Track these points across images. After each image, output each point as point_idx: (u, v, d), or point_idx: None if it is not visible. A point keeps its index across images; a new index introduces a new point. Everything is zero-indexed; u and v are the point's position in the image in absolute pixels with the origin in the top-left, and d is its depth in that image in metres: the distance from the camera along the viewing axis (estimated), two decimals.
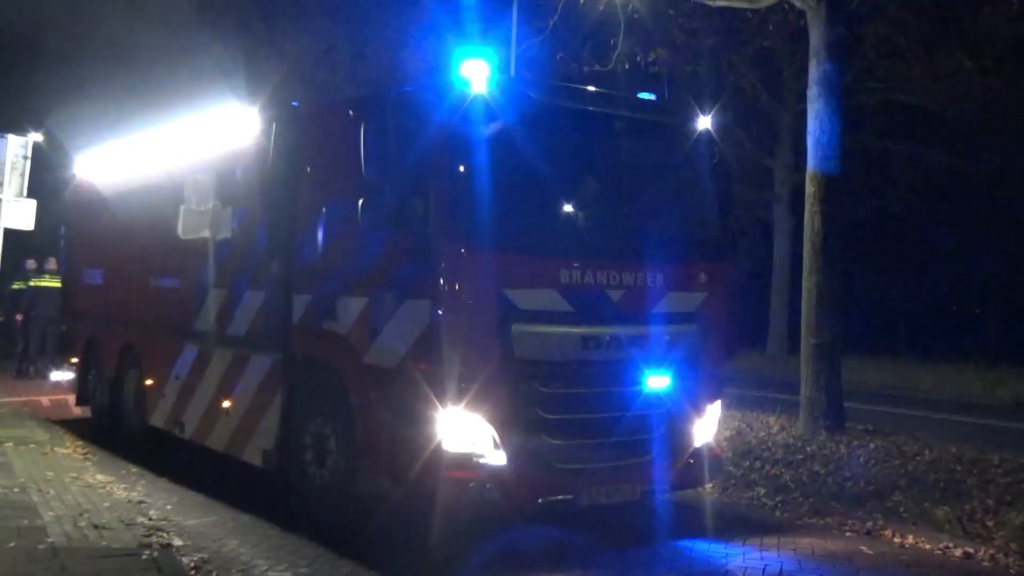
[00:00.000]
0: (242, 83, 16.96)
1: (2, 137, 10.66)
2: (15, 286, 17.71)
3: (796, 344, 12.94)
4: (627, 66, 17.32)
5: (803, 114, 12.89)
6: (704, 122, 7.85)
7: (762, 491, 9.11)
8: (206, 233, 9.41)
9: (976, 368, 22.45)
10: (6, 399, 13.72)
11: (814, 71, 12.20)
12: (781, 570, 6.74)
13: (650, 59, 17.99)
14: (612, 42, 17.15)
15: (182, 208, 9.89)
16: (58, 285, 17.12)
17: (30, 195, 10.97)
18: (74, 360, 12.56)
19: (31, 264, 17.84)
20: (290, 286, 7.96)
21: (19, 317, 17.47)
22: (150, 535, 6.75)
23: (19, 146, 10.73)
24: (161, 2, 20.45)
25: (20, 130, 13.28)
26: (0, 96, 24.77)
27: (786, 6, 13.68)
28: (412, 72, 19.49)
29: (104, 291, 12.07)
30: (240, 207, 8.87)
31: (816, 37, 12.18)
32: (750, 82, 25.52)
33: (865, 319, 28.97)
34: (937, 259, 31.87)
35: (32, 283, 17.51)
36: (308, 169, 7.96)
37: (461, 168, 6.58)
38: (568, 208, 7.28)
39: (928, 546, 7.54)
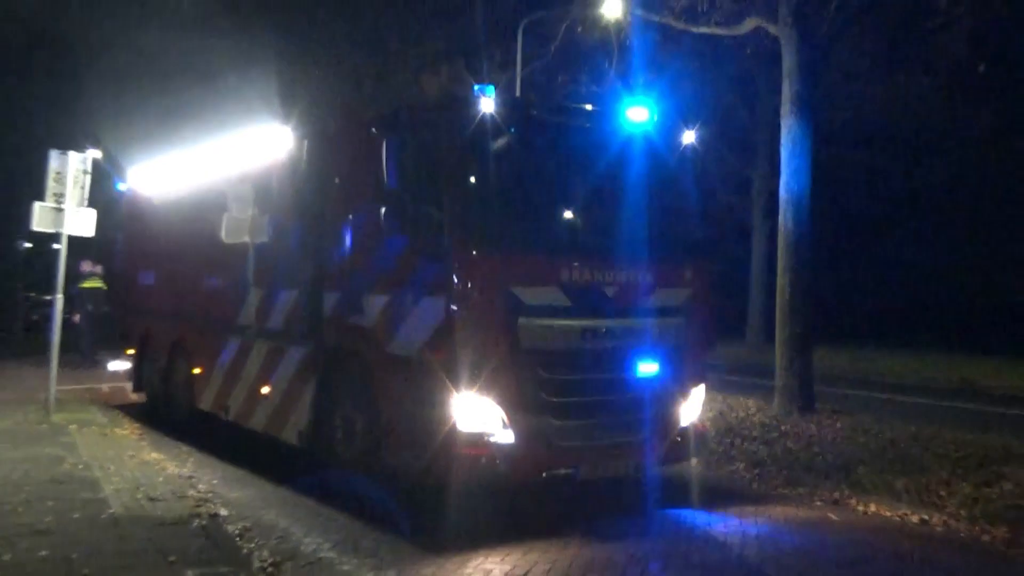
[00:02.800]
0: (276, 102, 17.01)
1: (65, 154, 10.69)
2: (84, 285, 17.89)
3: (772, 334, 12.93)
4: (619, 86, 17.33)
5: (777, 129, 12.89)
6: (688, 136, 7.87)
7: (741, 465, 9.14)
8: (246, 238, 9.46)
9: (933, 356, 22.47)
10: (71, 387, 13.79)
11: (787, 91, 12.21)
12: (758, 535, 6.76)
13: (640, 80, 17.96)
14: (607, 65, 17.18)
15: (225, 216, 9.94)
16: (95, 286, 17.52)
17: (89, 205, 10.99)
18: (130, 352, 12.62)
19: (86, 267, 18.01)
20: (321, 285, 7.99)
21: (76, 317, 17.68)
22: (199, 506, 6.82)
23: (80, 161, 10.75)
24: (202, 29, 20.53)
25: (78, 146, 13.34)
26: (62, 115, 24.90)
27: (762, 32, 13.67)
28: (428, 93, 19.54)
29: (156, 290, 12.13)
30: (276, 214, 8.91)
31: (788, 60, 12.19)
32: (730, 100, 25.47)
33: (834, 312, 28.86)
34: (898, 258, 31.80)
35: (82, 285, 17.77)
36: (336, 180, 7.99)
37: (472, 179, 6.61)
38: (568, 214, 7.32)
39: (888, 513, 7.56)
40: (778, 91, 13.41)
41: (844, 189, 27.23)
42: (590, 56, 18.62)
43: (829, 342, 22.79)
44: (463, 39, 19.66)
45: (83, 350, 17.63)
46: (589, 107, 7.96)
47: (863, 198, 27.54)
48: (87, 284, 17.88)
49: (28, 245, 34.71)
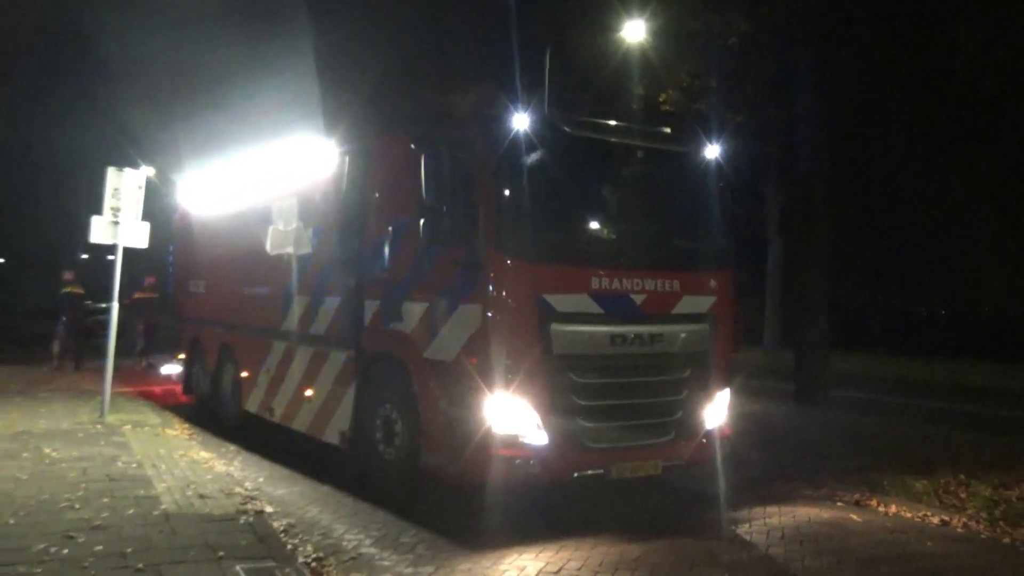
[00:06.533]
0: (319, 120, 16.98)
1: (122, 171, 10.74)
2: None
3: (787, 340, 12.76)
4: (642, 105, 17.22)
5: (791, 147, 12.72)
6: (713, 151, 7.72)
7: (763, 467, 8.94)
8: (291, 249, 9.41)
9: (946, 361, 22.10)
10: (126, 389, 13.84)
11: (802, 106, 12.07)
12: (783, 535, 6.60)
13: (660, 99, 17.83)
14: (628, 84, 17.09)
15: (270, 228, 9.91)
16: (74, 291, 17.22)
17: (143, 219, 11.02)
18: (181, 356, 12.65)
19: (67, 276, 17.71)
20: (362, 293, 7.93)
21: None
22: (246, 503, 6.74)
23: (136, 178, 10.81)
24: (250, 53, 20.69)
25: (132, 162, 13.40)
26: (114, 132, 25.19)
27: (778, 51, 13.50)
28: (460, 111, 19.44)
29: (205, 298, 12.14)
30: (319, 226, 8.87)
31: (803, 78, 12.04)
32: (748, 118, 25.19)
33: (848, 317, 28.51)
34: (912, 265, 31.35)
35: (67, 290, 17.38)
36: (376, 194, 7.94)
37: (507, 192, 6.50)
38: (597, 224, 7.20)
39: (909, 515, 7.35)
40: (791, 107, 13.25)
41: (859, 200, 26.85)
42: (613, 74, 18.51)
43: (844, 347, 22.48)
44: (492, 60, 19.61)
45: (60, 353, 17.26)
46: (617, 123, 7.84)
47: (878, 208, 27.13)
48: (67, 290, 17.42)
49: (84, 256, 35.10)
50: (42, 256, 39.23)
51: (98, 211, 10.70)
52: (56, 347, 17.12)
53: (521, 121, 6.58)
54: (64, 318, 17.26)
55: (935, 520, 7.16)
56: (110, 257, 11.30)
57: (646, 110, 17.52)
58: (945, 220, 26.66)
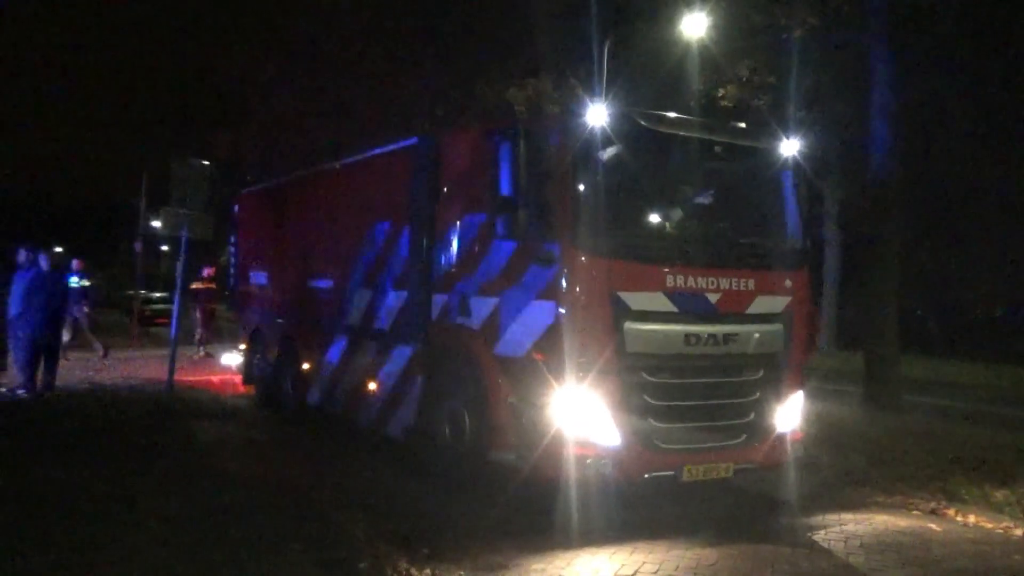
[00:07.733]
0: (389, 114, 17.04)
1: (187, 162, 10.90)
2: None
3: (846, 341, 12.50)
4: (702, 100, 16.98)
5: (852, 142, 12.42)
6: (790, 147, 7.54)
7: (835, 473, 8.70)
8: (357, 241, 9.42)
9: (1006, 365, 21.51)
10: (186, 378, 14.03)
11: (875, 101, 11.75)
12: (862, 543, 6.41)
13: (720, 94, 17.54)
14: (686, 78, 16.81)
15: (336, 220, 9.96)
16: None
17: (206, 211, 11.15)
18: (243, 347, 12.78)
19: (76, 264, 16.90)
20: (429, 287, 7.92)
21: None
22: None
23: (201, 169, 10.96)
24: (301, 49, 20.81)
25: (195, 156, 13.56)
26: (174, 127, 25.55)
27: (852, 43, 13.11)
28: (515, 107, 19.41)
29: (267, 290, 12.24)
30: (386, 220, 8.86)
31: (878, 72, 11.72)
32: (808, 114, 24.72)
33: (906, 322, 27.83)
34: (968, 272, 30.55)
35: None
36: (445, 189, 7.91)
37: (582, 187, 6.42)
38: (673, 221, 7.08)
39: (990, 525, 7.09)
40: (850, 105, 12.92)
41: (920, 198, 26.18)
42: (671, 69, 18.26)
43: (912, 350, 21.97)
44: (550, 55, 19.48)
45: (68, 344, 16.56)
46: (693, 118, 7.71)
47: (939, 207, 26.44)
48: (80, 283, 16.58)
49: (138, 245, 35.65)
50: (99, 244, 40.10)
51: (156, 202, 10.90)
52: (66, 336, 17.07)
53: (597, 115, 6.48)
54: (85, 308, 16.91)
55: (1018, 532, 6.91)
56: (164, 248, 11.50)
57: (705, 105, 17.26)
58: (1008, 220, 25.86)
